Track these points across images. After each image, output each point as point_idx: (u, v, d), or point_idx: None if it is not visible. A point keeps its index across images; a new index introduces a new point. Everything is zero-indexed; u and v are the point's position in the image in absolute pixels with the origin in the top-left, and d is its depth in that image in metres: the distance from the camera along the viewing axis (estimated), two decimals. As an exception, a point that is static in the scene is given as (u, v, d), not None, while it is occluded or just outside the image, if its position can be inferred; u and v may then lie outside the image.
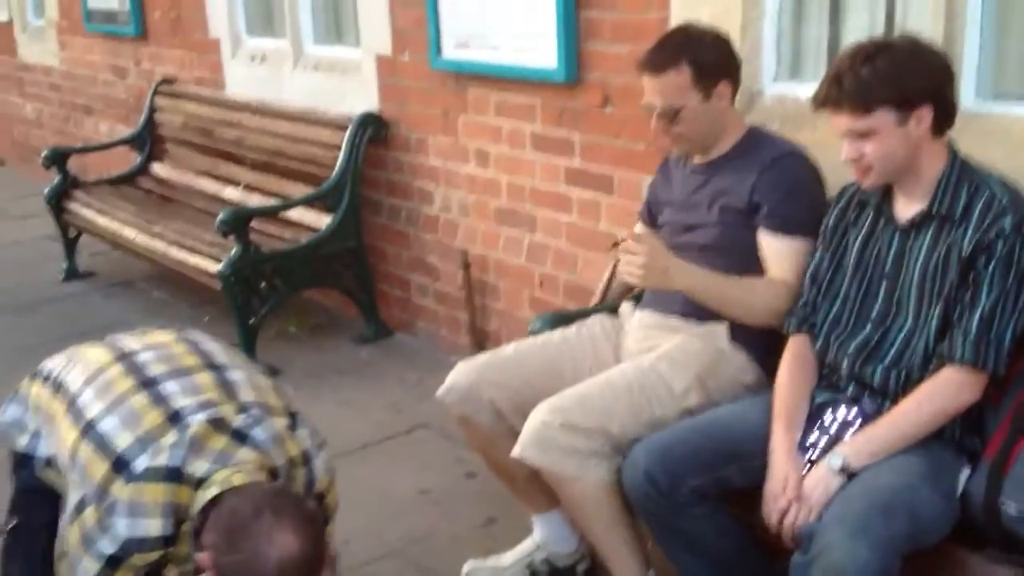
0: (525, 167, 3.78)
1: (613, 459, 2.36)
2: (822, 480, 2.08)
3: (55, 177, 5.41)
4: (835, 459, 2.09)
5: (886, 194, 2.25)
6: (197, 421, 1.94)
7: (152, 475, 1.89)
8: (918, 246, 2.18)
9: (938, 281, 2.14)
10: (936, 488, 2.04)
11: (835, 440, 2.17)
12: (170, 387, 2.02)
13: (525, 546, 2.80)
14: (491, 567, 2.80)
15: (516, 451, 2.40)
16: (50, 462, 2.14)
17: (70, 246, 5.45)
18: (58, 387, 2.16)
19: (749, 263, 2.51)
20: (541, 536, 2.76)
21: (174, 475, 1.89)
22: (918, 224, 2.18)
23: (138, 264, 5.21)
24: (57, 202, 5.35)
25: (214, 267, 4.18)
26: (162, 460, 1.90)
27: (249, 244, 4.16)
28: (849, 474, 2.07)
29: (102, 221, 5.05)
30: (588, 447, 2.35)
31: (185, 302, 4.96)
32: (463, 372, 2.65)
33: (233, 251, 4.13)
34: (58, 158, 5.44)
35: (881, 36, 2.20)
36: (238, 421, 1.98)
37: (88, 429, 1.98)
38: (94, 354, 2.19)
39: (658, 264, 2.37)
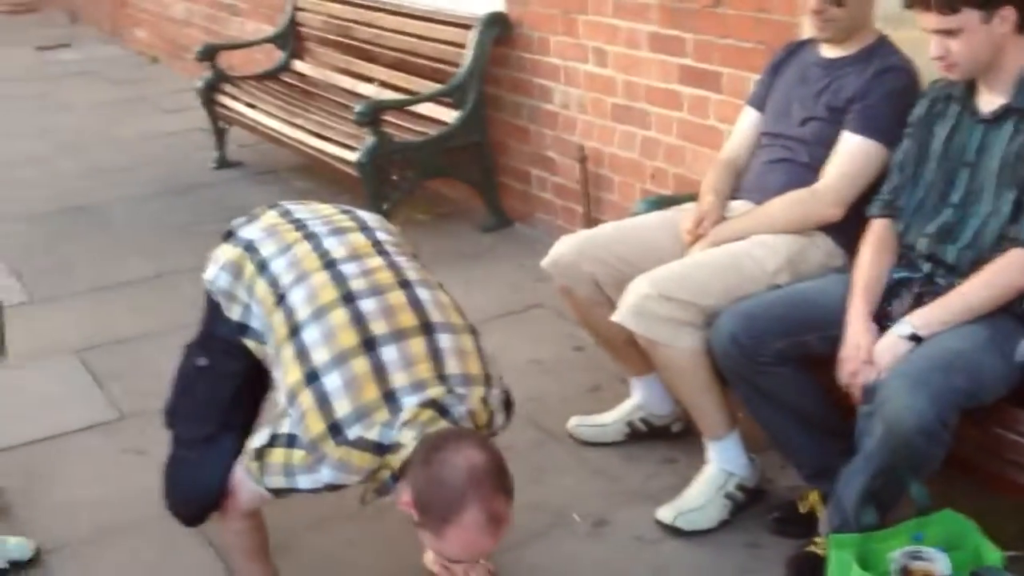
0: (640, 65, 3.99)
1: (703, 330, 2.58)
2: (892, 345, 2.29)
3: (206, 72, 5.80)
4: (904, 327, 2.31)
5: (971, 88, 2.40)
6: (410, 405, 2.06)
7: (363, 445, 2.04)
8: (999, 137, 2.33)
9: (1015, 169, 2.30)
10: (997, 352, 2.23)
11: (909, 312, 2.36)
12: (388, 355, 2.10)
13: (625, 406, 3.10)
14: (594, 423, 3.12)
15: (616, 316, 2.64)
16: (257, 337, 2.27)
17: (220, 137, 5.86)
18: (280, 297, 2.21)
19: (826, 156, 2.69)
20: (640, 397, 3.06)
21: (382, 449, 2.05)
22: (1000, 116, 2.33)
23: (282, 154, 5.60)
24: (209, 95, 5.74)
25: (351, 156, 4.52)
26: (373, 435, 2.03)
27: (383, 135, 4.49)
28: (917, 340, 2.27)
29: (250, 113, 5.45)
30: (681, 317, 2.57)
31: (325, 190, 5.34)
32: (566, 246, 2.90)
33: (368, 141, 4.47)
34: (210, 53, 5.82)
35: None
36: (445, 399, 2.10)
37: (312, 379, 2.08)
38: (318, 281, 2.20)
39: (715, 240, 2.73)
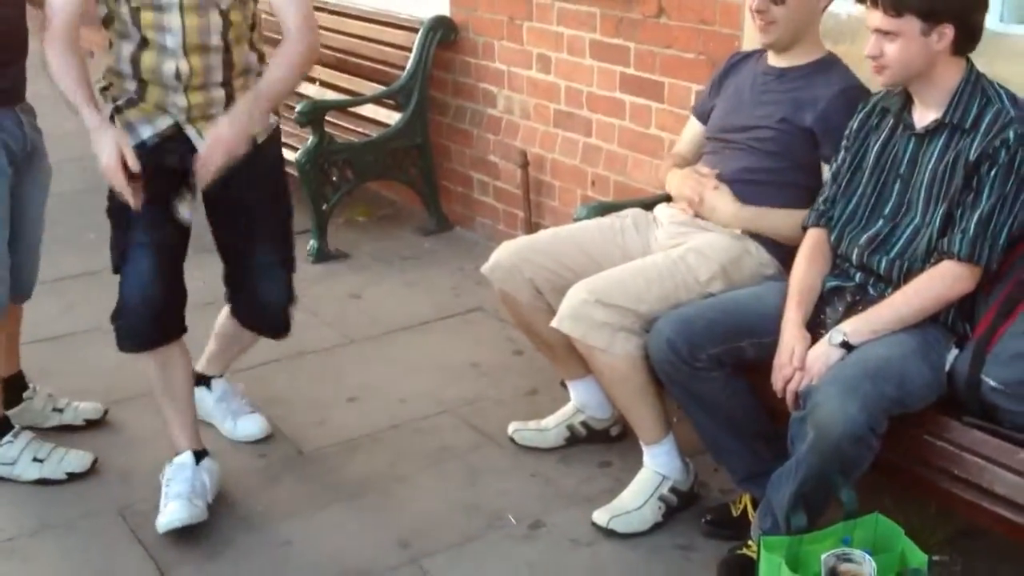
0: (583, 73, 4.03)
1: (639, 336, 2.63)
2: (824, 352, 2.34)
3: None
4: (836, 334, 2.36)
5: (906, 103, 2.46)
6: None
7: None
8: (930, 151, 2.39)
9: (945, 184, 2.36)
10: (925, 360, 2.29)
11: (841, 320, 2.41)
12: None
13: (565, 410, 3.12)
14: (534, 428, 3.14)
15: (554, 322, 2.68)
16: None
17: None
18: None
19: (791, 170, 2.75)
20: (578, 400, 3.09)
21: None
22: (932, 131, 2.38)
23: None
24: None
25: (291, 156, 4.49)
26: None
27: (324, 136, 4.48)
28: (848, 348, 2.33)
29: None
30: (618, 322, 2.62)
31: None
32: (506, 251, 2.93)
33: (309, 141, 4.45)
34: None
35: None
36: None
37: None
38: None
39: (715, 203, 2.76)
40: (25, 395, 3.18)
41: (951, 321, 2.39)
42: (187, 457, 2.82)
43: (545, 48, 4.18)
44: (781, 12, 2.70)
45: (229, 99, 2.69)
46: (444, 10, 4.62)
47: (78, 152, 5.73)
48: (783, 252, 2.73)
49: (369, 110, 4.80)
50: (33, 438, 3.01)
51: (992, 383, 2.25)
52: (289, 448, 3.16)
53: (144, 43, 2.60)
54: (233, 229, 2.86)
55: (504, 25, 4.35)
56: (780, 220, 2.74)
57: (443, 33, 4.59)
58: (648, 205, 3.06)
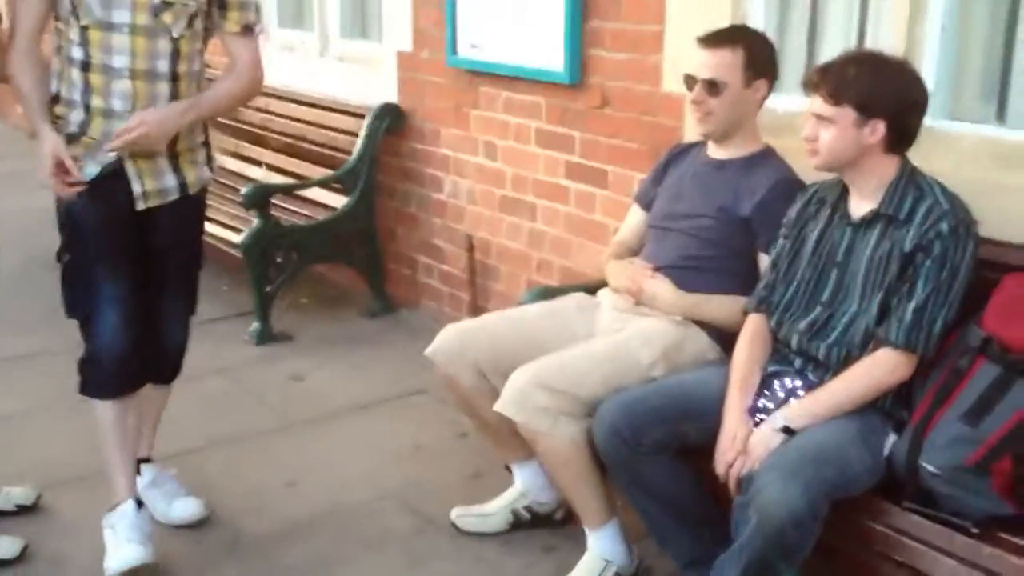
0: (529, 160, 4.10)
1: (582, 420, 2.63)
2: (765, 437, 2.37)
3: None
4: (777, 419, 2.39)
5: (843, 194, 2.53)
6: None
7: None
8: (867, 241, 2.45)
9: (881, 273, 2.42)
10: (864, 446, 2.33)
11: (781, 405, 2.45)
12: None
13: (508, 494, 3.10)
14: (477, 513, 3.11)
15: (497, 406, 2.68)
16: None
17: (99, 214, 5.74)
18: None
19: (729, 258, 2.81)
20: (522, 484, 3.07)
21: None
22: (868, 222, 2.45)
23: (163, 234, 5.50)
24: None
25: (236, 238, 4.50)
26: None
27: (269, 219, 4.48)
28: (789, 433, 2.36)
29: (133, 191, 5.36)
30: (560, 407, 2.62)
31: (206, 271, 5.26)
32: (450, 334, 2.93)
33: (254, 224, 4.45)
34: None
35: (880, 50, 2.48)
36: None
37: None
38: None
39: (654, 290, 2.83)
40: None
41: (889, 407, 2.43)
42: (130, 505, 2.86)
43: (491, 135, 4.25)
44: (717, 104, 2.78)
45: (173, 139, 2.77)
46: (392, 97, 4.69)
47: (17, 232, 5.71)
48: (724, 337, 2.77)
49: (316, 193, 4.82)
50: None
51: (930, 468, 2.28)
52: (226, 533, 3.09)
53: (89, 65, 2.66)
54: (153, 270, 2.89)
55: (451, 112, 4.42)
56: (719, 306, 2.79)
57: (391, 119, 4.65)
58: (592, 290, 3.09)
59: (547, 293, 3.14)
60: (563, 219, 3.99)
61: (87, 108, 2.69)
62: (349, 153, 4.68)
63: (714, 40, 2.80)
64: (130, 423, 2.91)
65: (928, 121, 2.56)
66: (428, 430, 3.72)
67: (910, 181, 2.44)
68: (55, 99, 2.74)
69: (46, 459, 3.41)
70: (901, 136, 2.43)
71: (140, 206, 2.77)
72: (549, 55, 3.84)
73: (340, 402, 3.94)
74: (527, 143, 4.09)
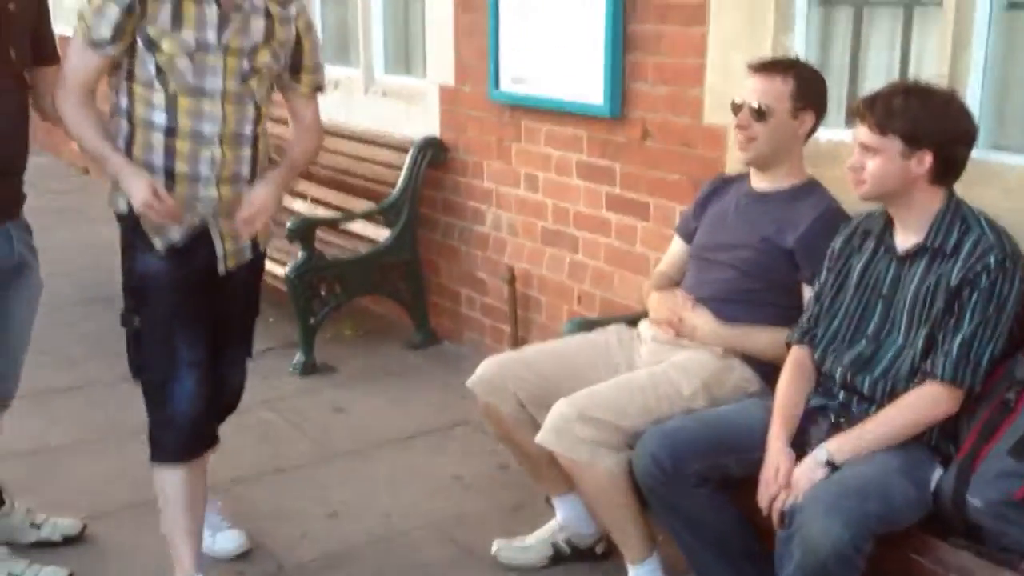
0: (570, 192, 4.11)
1: (622, 451, 2.63)
2: (808, 470, 2.34)
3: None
4: (821, 453, 2.36)
5: (887, 226, 2.51)
6: None
7: None
8: (912, 274, 2.43)
9: (927, 306, 2.39)
10: (910, 479, 2.29)
11: (825, 438, 2.42)
12: None
13: (548, 526, 3.09)
14: (517, 546, 3.09)
15: (538, 437, 2.68)
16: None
17: (148, 247, 5.83)
18: None
19: (772, 290, 2.79)
20: (562, 517, 3.05)
21: None
22: (913, 255, 2.43)
23: (209, 267, 5.58)
24: (139, 206, 5.75)
25: (281, 271, 4.54)
26: None
27: (314, 251, 4.52)
28: (833, 467, 2.33)
29: (180, 225, 5.45)
30: (600, 438, 2.62)
31: (250, 304, 5.33)
32: (491, 366, 2.94)
33: (299, 256, 4.50)
34: (143, 166, 5.84)
35: (927, 81, 2.46)
36: None
37: None
38: None
39: (695, 322, 2.82)
40: (2, 510, 3.13)
41: (935, 441, 2.40)
42: None
43: (533, 168, 4.28)
44: (761, 130, 2.76)
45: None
46: (435, 131, 4.73)
47: (67, 266, 5.82)
48: (766, 368, 2.75)
49: (359, 226, 4.86)
50: (9, 554, 2.95)
51: (977, 503, 2.25)
52: (269, 564, 3.11)
53: (176, 131, 2.60)
54: (219, 322, 2.82)
55: (493, 146, 4.46)
56: (761, 339, 2.77)
57: (433, 152, 4.69)
58: (633, 321, 3.09)
59: (588, 325, 3.14)
60: (604, 251, 4.00)
61: (170, 174, 2.62)
62: (392, 186, 4.72)
63: (766, 67, 2.80)
64: (199, 487, 2.82)
65: (973, 152, 2.55)
66: (469, 462, 3.72)
67: (956, 213, 2.42)
68: None
69: (92, 490, 3.45)
70: (948, 167, 2.41)
71: (222, 269, 2.74)
72: (590, 88, 3.87)
73: (382, 433, 3.96)
74: (568, 175, 4.10)
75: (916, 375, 2.39)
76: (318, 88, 2.88)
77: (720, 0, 3.38)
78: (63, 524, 3.19)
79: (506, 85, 4.28)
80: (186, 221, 2.64)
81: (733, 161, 3.32)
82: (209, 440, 2.85)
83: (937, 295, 2.38)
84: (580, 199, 4.07)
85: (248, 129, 2.69)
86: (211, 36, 2.59)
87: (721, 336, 2.80)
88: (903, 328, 2.44)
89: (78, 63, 2.60)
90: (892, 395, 2.41)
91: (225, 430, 3.02)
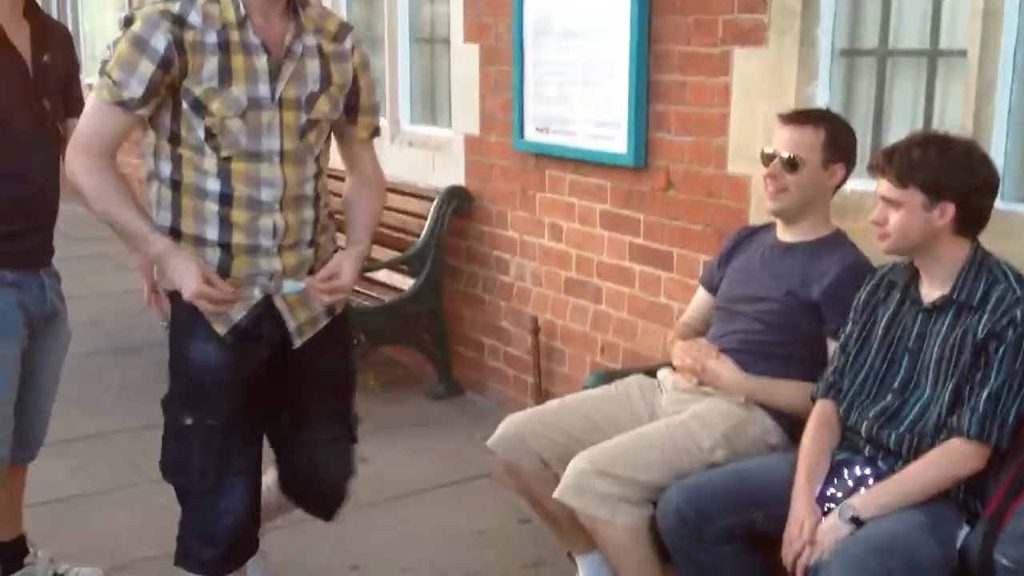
0: (594, 242, 4.11)
1: (643, 507, 2.60)
2: (833, 527, 2.30)
3: (167, 232, 5.87)
4: (846, 509, 2.32)
5: (913, 278, 2.48)
6: None
7: None
8: (938, 327, 2.40)
9: (954, 360, 2.36)
10: (935, 537, 2.25)
11: (851, 494, 2.38)
12: None
13: (572, 582, 3.05)
14: (539, 602, 3.06)
15: (556, 493, 2.65)
16: None
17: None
18: None
19: (796, 344, 2.77)
20: (585, 574, 3.01)
21: None
22: (939, 307, 2.40)
23: (235, 316, 5.61)
24: (167, 255, 5.80)
25: (305, 319, 4.55)
26: None
27: (338, 300, 4.53)
28: (858, 523, 2.29)
29: (207, 274, 5.49)
30: (620, 493, 2.59)
31: (276, 352, 5.35)
32: (512, 424, 2.91)
33: (324, 306, 4.51)
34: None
35: (946, 131, 2.44)
36: None
37: None
38: None
39: (718, 371, 2.79)
40: (26, 560, 3.12)
41: (961, 497, 2.36)
42: None
43: (557, 217, 4.28)
44: (793, 181, 2.75)
45: (317, 261, 2.46)
46: (459, 180, 4.75)
47: (94, 315, 5.87)
48: (788, 421, 2.72)
49: (383, 275, 4.88)
50: None
51: (1005, 562, 2.19)
52: (290, 617, 3.09)
53: (231, 199, 2.30)
54: (296, 398, 2.55)
55: (517, 195, 4.47)
56: (784, 391, 2.74)
57: (458, 202, 4.71)
58: (652, 372, 3.07)
59: (610, 376, 3.12)
60: (628, 301, 3.98)
61: (226, 247, 2.32)
62: (416, 235, 4.74)
63: (798, 118, 2.79)
64: None
65: (997, 203, 2.54)
66: (491, 515, 3.69)
67: (982, 266, 2.39)
68: (175, 235, 2.34)
69: (114, 540, 3.44)
70: (971, 218, 2.38)
71: (298, 343, 2.44)
72: (614, 138, 3.88)
73: (404, 485, 3.93)
74: (592, 225, 4.10)
75: (942, 430, 2.35)
76: (376, 131, 2.61)
77: (743, 51, 3.39)
78: (86, 573, 3.18)
79: (531, 135, 4.30)
80: (247, 298, 2.35)
81: (757, 211, 3.30)
82: (251, 550, 2.55)
83: (964, 349, 2.34)
84: (604, 249, 4.06)
85: (310, 189, 2.39)
86: (263, 90, 2.29)
87: (744, 386, 2.77)
88: (929, 382, 2.41)
89: (101, 124, 2.29)
90: (918, 450, 2.37)
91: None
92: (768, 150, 2.80)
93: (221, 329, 2.34)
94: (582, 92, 4.01)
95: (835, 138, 2.76)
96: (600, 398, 2.97)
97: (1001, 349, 2.29)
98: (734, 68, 3.43)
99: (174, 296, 2.35)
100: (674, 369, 2.96)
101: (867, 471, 2.43)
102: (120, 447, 4.18)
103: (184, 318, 2.35)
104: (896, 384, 2.46)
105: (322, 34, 2.39)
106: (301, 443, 2.58)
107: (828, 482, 2.46)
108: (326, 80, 2.39)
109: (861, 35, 3.28)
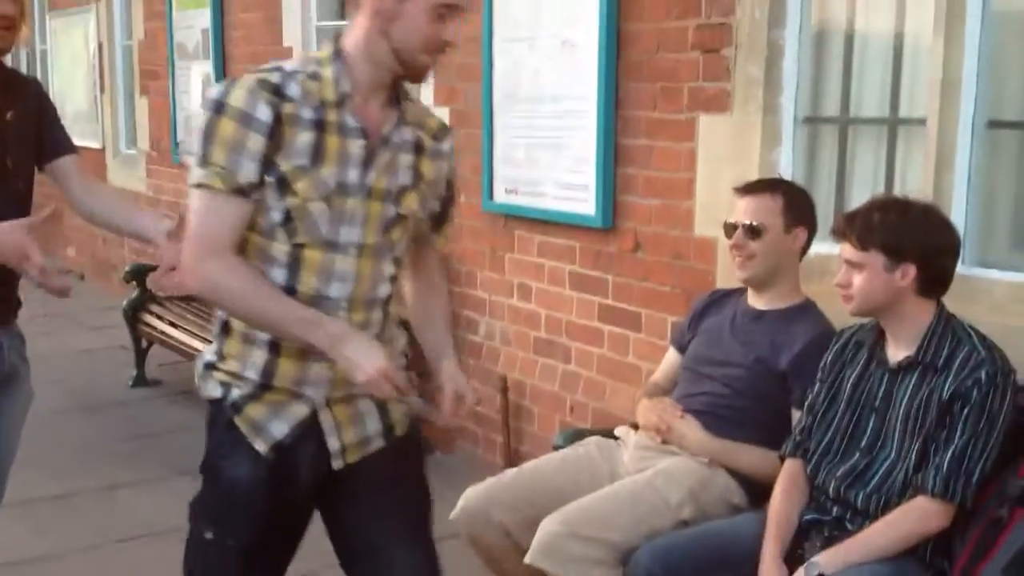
0: (563, 303, 4.14)
1: (615, 569, 2.59)
2: (800, 584, 2.33)
3: (133, 291, 5.85)
4: (812, 567, 2.33)
5: (879, 338, 2.53)
6: None
7: None
8: (904, 387, 2.44)
9: (920, 420, 2.39)
10: (900, 594, 2.28)
11: (818, 552, 2.39)
12: None
13: (542, 648, 3.02)
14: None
15: (528, 558, 2.63)
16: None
17: (141, 355, 5.84)
18: None
19: (762, 411, 2.80)
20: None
21: None
22: (905, 368, 2.44)
23: (201, 375, 5.57)
24: (133, 314, 5.77)
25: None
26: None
27: (307, 359, 4.50)
28: (824, 581, 2.31)
29: (174, 332, 5.46)
30: (593, 555, 2.58)
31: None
32: (472, 497, 2.89)
33: (292, 365, 4.48)
34: (139, 274, 5.88)
35: (905, 195, 2.52)
36: None
37: None
38: None
39: (683, 431, 2.81)
40: None
41: (928, 557, 2.38)
42: None
43: (526, 278, 4.31)
44: (759, 247, 2.81)
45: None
46: (429, 240, 4.78)
47: (59, 373, 5.81)
48: (749, 483, 2.75)
49: (352, 335, 4.86)
50: None
51: (974, 622, 2.22)
52: None
53: (294, 293, 2.05)
54: (367, 515, 2.26)
55: (487, 255, 4.50)
56: (747, 456, 2.77)
57: (427, 262, 4.72)
58: (610, 432, 3.08)
59: (579, 436, 3.13)
60: (597, 361, 4.00)
61: (274, 348, 2.08)
62: (386, 295, 4.74)
63: (755, 188, 2.87)
64: None
65: (958, 267, 2.61)
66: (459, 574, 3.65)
67: (947, 327, 2.44)
68: (224, 329, 2.13)
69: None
70: (934, 279, 2.44)
71: (338, 465, 2.17)
72: (583, 200, 3.93)
73: (372, 546, 3.88)
74: (561, 286, 4.14)
75: (909, 489, 2.38)
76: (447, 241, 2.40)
77: (708, 117, 3.46)
78: None
79: (500, 196, 4.35)
80: (292, 412, 2.12)
81: (724, 273, 3.35)
82: None
83: (929, 409, 2.38)
84: (573, 309, 4.10)
85: (384, 291, 2.15)
86: (353, 175, 2.07)
87: (709, 447, 2.79)
88: (896, 442, 2.44)
89: (220, 219, 2.00)
90: (886, 509, 2.40)
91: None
92: (730, 220, 2.86)
93: (262, 446, 2.12)
94: (551, 155, 4.07)
95: (793, 202, 2.83)
96: (561, 462, 2.97)
97: (966, 409, 2.33)
98: (699, 134, 3.50)
99: (213, 405, 2.15)
100: (637, 428, 2.98)
101: (835, 532, 2.45)
102: (83, 508, 4.12)
103: (221, 432, 2.14)
104: (863, 443, 2.49)
105: (423, 129, 2.20)
106: (379, 568, 2.29)
107: (797, 542, 2.49)
108: (418, 176, 2.18)
109: (823, 103, 3.37)
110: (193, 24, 6.55)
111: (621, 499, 2.69)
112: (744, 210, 2.83)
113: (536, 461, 3.05)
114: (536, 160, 4.15)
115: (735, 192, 2.89)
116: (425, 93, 4.70)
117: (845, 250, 2.45)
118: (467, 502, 2.90)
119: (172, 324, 5.55)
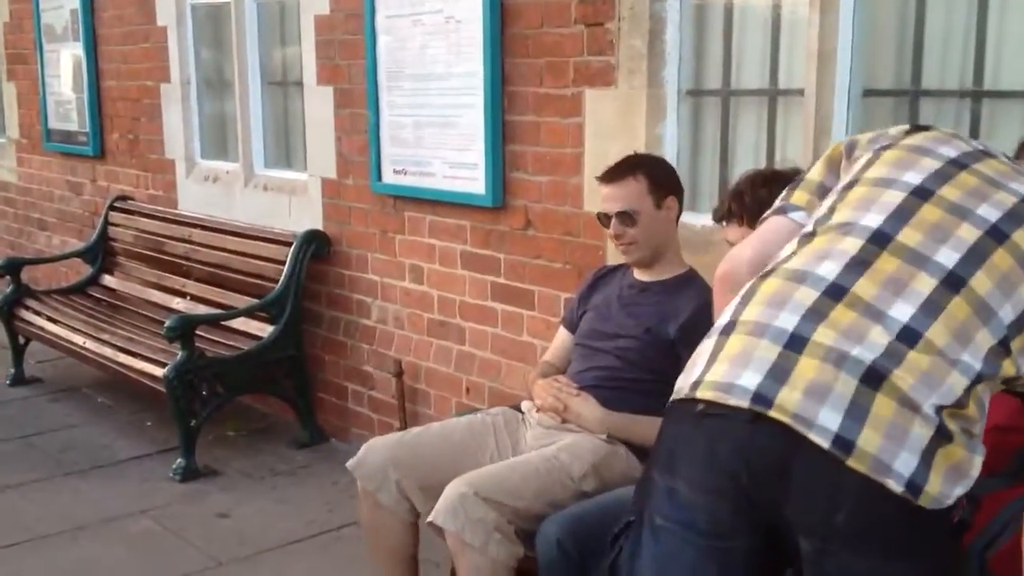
0: (455, 283, 4.11)
1: (515, 544, 2.61)
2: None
3: (8, 286, 5.61)
4: None
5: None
6: None
7: None
8: None
9: None
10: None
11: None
12: None
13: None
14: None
15: (431, 516, 2.63)
16: None
17: (18, 353, 5.62)
18: None
19: (655, 380, 2.79)
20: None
21: None
22: None
23: (83, 371, 5.39)
24: (9, 309, 5.54)
25: (159, 371, 4.40)
26: None
27: (194, 350, 4.39)
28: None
29: (53, 328, 5.26)
30: (495, 520, 2.59)
31: (127, 408, 5.15)
32: (374, 450, 2.90)
33: (178, 356, 4.36)
34: (13, 268, 5.65)
35: (783, 166, 2.54)
36: None
37: None
38: None
39: (579, 409, 2.83)
40: None
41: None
42: None
43: (418, 259, 4.26)
44: (637, 232, 2.85)
45: None
46: (317, 224, 4.69)
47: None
48: (648, 453, 2.76)
49: (241, 323, 4.75)
50: None
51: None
52: None
53: None
54: None
55: (377, 238, 4.44)
56: (644, 427, 2.78)
57: (316, 246, 4.64)
58: (515, 406, 3.09)
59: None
60: (491, 341, 3.99)
61: None
62: (275, 281, 4.65)
63: (614, 174, 2.89)
64: None
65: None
66: (359, 566, 3.60)
67: None
68: None
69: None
70: None
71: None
72: (472, 179, 3.90)
73: (269, 539, 3.82)
74: (453, 266, 4.10)
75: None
76: None
77: (594, 92, 3.46)
78: None
79: (388, 177, 4.29)
80: None
81: (614, 248, 3.35)
82: None
83: None
84: (466, 289, 4.07)
85: None
86: None
87: (606, 423, 2.81)
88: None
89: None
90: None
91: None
92: (602, 210, 2.90)
93: None
94: (438, 134, 4.03)
95: (656, 177, 2.87)
96: (465, 428, 2.98)
97: None
98: (586, 109, 3.50)
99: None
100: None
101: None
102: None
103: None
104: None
105: None
106: None
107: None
108: None
109: (705, 76, 3.40)
110: (62, 4, 6.27)
111: (527, 470, 2.70)
112: (612, 198, 2.87)
113: (442, 424, 3.04)
114: (424, 139, 4.10)
115: (599, 181, 2.93)
116: (307, 72, 4.60)
117: (737, 233, 2.42)
118: (367, 454, 2.90)
119: (51, 319, 5.34)
